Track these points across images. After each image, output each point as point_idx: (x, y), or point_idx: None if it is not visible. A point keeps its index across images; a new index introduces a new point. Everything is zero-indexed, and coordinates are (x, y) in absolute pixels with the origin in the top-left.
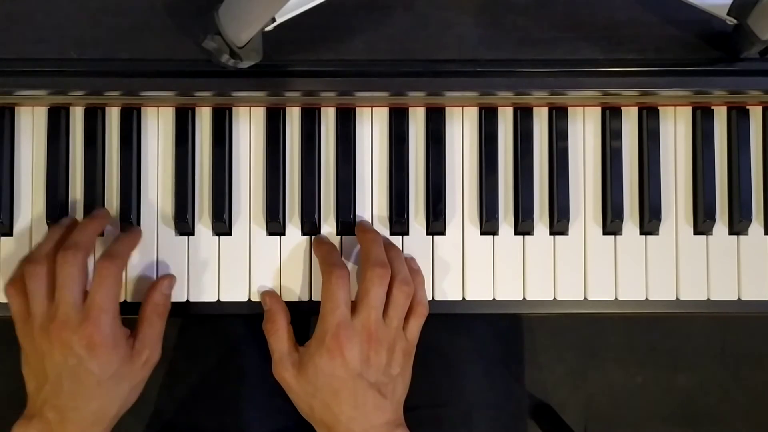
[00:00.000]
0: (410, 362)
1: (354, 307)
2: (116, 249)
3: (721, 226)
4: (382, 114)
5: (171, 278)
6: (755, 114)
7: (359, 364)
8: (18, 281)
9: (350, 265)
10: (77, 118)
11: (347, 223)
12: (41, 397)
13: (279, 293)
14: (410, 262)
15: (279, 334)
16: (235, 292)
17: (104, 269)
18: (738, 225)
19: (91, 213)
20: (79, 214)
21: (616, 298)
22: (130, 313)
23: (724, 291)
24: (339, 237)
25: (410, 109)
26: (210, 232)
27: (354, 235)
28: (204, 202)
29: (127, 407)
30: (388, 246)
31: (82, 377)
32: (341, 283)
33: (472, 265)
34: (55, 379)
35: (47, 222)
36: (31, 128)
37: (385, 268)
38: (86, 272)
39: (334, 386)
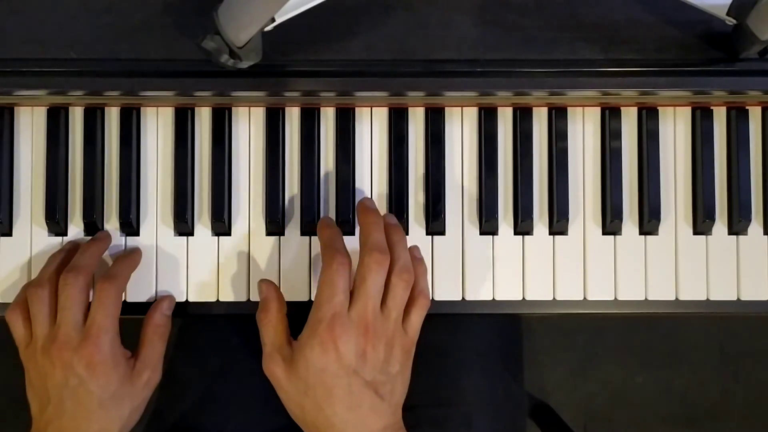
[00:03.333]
0: (410, 361)
1: (350, 296)
2: (116, 270)
3: (720, 226)
4: (381, 114)
5: (171, 299)
6: (754, 114)
7: (354, 359)
8: (19, 306)
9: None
10: (77, 118)
11: (347, 223)
12: (44, 419)
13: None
14: (413, 250)
15: (272, 325)
16: (235, 292)
17: (104, 290)
18: (737, 225)
19: (94, 236)
20: (78, 214)
21: (615, 298)
22: (129, 313)
23: (723, 291)
24: None
25: (410, 109)
26: (209, 232)
27: (353, 234)
28: (203, 202)
29: (129, 429)
30: (391, 229)
31: (83, 398)
32: (342, 271)
33: (472, 265)
34: (57, 400)
35: (47, 222)
36: (30, 128)
37: (384, 254)
38: (88, 294)
39: (326, 383)
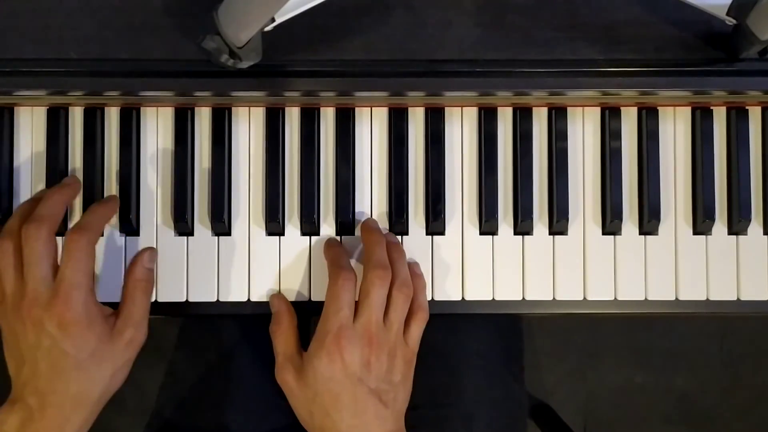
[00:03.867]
0: (411, 370)
1: (355, 310)
2: (87, 220)
3: (720, 226)
4: (381, 114)
5: (152, 251)
6: (754, 114)
7: (359, 369)
8: None
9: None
10: (76, 118)
11: (346, 223)
12: (21, 381)
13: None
14: (413, 266)
15: (284, 337)
16: (235, 292)
17: (73, 242)
18: (737, 225)
19: (61, 182)
20: (78, 215)
21: (615, 298)
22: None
23: (723, 291)
24: (338, 237)
25: (410, 109)
26: (209, 232)
27: (353, 234)
28: (203, 202)
29: (112, 392)
30: (392, 246)
31: (58, 358)
32: (348, 286)
33: (472, 265)
34: (31, 361)
35: None
36: (30, 128)
37: (386, 270)
38: (54, 246)
39: (333, 391)
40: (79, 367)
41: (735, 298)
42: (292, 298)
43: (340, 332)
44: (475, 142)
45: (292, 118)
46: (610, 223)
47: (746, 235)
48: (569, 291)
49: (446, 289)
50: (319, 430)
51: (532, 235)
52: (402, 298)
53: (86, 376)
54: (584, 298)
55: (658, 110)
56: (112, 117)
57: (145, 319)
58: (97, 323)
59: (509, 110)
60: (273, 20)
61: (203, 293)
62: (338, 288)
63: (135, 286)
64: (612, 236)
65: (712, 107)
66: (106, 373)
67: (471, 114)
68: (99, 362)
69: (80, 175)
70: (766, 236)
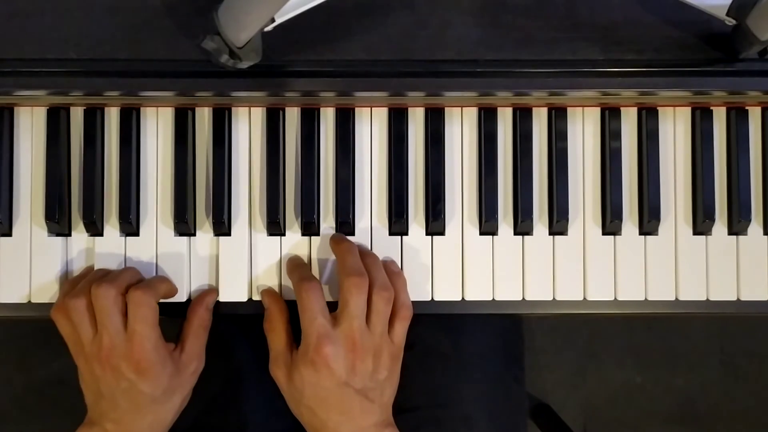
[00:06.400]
0: (398, 364)
1: (336, 317)
2: (151, 282)
3: (720, 226)
4: (381, 114)
5: (215, 293)
6: (754, 114)
7: (345, 373)
8: (61, 311)
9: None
10: (77, 118)
11: (346, 223)
12: (98, 410)
13: (279, 293)
14: (390, 265)
15: (277, 333)
16: (235, 292)
17: (137, 297)
18: (737, 225)
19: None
20: (78, 215)
21: (615, 299)
22: None
23: (723, 291)
24: None
25: (409, 109)
26: (209, 232)
27: (353, 235)
28: (203, 203)
29: (179, 413)
30: (364, 253)
31: (136, 397)
32: (312, 295)
33: (472, 265)
34: (110, 398)
35: (46, 222)
36: (30, 128)
37: (361, 276)
38: (122, 302)
39: (320, 395)
40: (155, 401)
41: (735, 298)
42: (292, 297)
43: (321, 341)
44: (475, 142)
45: (292, 118)
46: (610, 223)
47: (746, 235)
48: (569, 291)
49: (446, 289)
50: (308, 424)
51: (532, 235)
52: (383, 301)
53: (161, 407)
54: (584, 298)
55: (658, 110)
56: (112, 117)
57: (204, 350)
58: (168, 364)
59: (509, 110)
60: (273, 20)
61: None
62: (303, 300)
63: (200, 325)
64: (612, 236)
65: (712, 107)
66: (177, 401)
67: (471, 114)
68: (171, 395)
69: (80, 175)
70: (766, 236)
